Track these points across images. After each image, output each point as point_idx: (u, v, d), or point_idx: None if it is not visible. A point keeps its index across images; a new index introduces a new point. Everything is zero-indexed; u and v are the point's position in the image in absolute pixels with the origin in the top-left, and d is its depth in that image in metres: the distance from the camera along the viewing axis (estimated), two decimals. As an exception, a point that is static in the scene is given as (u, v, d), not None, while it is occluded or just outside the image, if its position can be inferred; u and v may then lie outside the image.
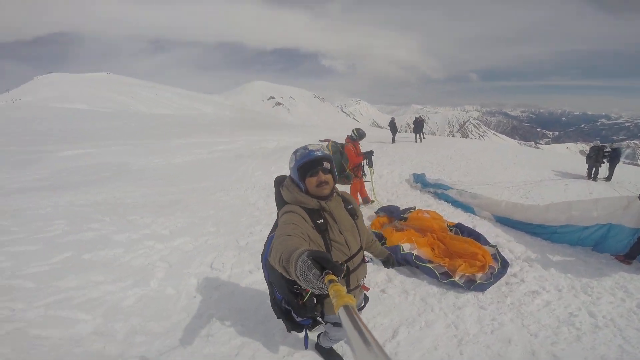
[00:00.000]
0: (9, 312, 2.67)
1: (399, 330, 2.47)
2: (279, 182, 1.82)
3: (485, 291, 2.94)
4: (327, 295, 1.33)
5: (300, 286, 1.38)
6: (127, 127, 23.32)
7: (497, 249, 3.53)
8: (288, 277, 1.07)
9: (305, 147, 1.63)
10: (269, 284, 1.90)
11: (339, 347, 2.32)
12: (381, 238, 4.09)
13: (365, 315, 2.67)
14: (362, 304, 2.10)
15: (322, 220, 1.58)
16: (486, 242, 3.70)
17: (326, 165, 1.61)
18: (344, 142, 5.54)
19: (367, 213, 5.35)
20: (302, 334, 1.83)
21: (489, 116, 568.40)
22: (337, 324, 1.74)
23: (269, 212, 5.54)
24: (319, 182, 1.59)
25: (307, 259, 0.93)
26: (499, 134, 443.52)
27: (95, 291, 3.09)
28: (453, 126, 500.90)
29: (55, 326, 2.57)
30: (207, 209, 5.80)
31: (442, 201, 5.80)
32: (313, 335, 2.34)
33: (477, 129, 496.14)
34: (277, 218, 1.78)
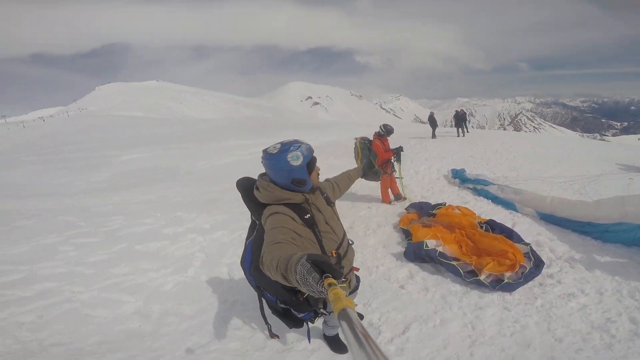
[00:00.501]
0: (69, 294, 3.10)
1: (410, 326, 2.43)
2: (246, 185, 1.78)
3: (514, 292, 2.75)
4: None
5: None
6: (177, 132, 25.39)
7: (530, 247, 3.26)
8: (287, 284, 1.07)
9: (299, 142, 1.59)
10: (257, 288, 1.86)
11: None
12: (408, 234, 4.02)
13: (379, 310, 2.68)
14: (356, 284, 2.12)
15: (309, 215, 1.59)
16: (519, 240, 3.43)
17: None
18: (371, 139, 5.50)
19: (398, 210, 5.26)
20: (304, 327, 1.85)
21: (544, 107, 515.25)
22: None
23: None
24: (318, 173, 1.68)
25: (307, 263, 0.93)
26: (556, 126, 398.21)
27: (141, 277, 3.47)
28: (504, 119, 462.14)
29: (104, 307, 2.95)
30: (243, 205, 6.13)
31: (482, 197, 5.43)
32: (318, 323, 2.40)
33: (532, 121, 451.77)
34: (252, 222, 1.85)
